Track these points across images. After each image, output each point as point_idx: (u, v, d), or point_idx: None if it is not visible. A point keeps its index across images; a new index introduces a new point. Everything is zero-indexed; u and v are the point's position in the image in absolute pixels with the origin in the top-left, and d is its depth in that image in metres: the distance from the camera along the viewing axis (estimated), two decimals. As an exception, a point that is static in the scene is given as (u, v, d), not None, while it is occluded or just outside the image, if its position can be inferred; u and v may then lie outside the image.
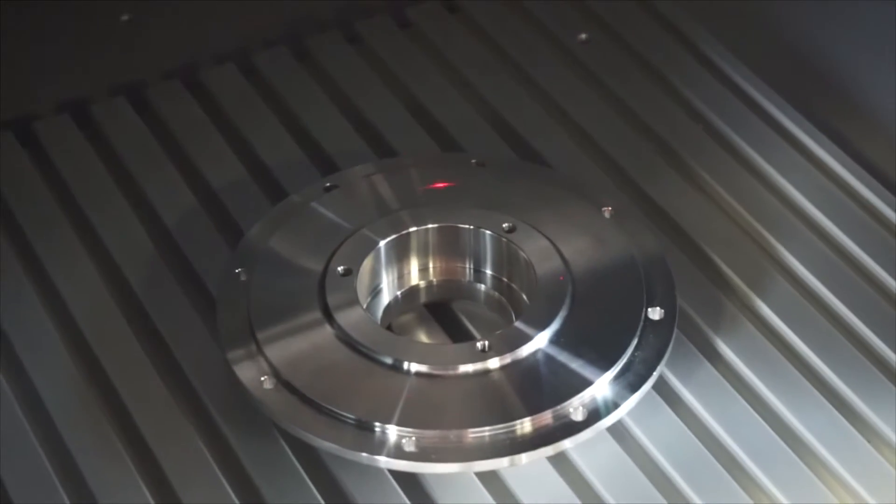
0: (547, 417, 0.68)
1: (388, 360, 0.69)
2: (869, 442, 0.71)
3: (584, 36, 0.90)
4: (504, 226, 0.75)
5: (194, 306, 0.75)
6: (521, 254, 0.74)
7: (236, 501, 0.68)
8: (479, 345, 0.69)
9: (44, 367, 0.73)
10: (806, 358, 0.74)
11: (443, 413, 0.68)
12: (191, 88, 0.87)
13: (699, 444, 0.70)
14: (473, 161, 0.79)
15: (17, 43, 0.84)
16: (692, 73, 0.89)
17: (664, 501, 0.68)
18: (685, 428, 0.71)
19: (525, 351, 0.70)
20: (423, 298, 0.76)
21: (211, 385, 0.72)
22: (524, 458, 0.67)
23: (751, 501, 0.68)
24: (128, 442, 0.70)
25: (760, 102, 0.87)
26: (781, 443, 0.71)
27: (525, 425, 0.68)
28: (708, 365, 0.74)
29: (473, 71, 0.88)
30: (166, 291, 0.76)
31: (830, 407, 0.72)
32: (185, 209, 0.80)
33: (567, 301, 0.71)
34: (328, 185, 0.78)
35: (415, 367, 0.69)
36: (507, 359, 0.69)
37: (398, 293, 0.75)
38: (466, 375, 0.69)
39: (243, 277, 0.73)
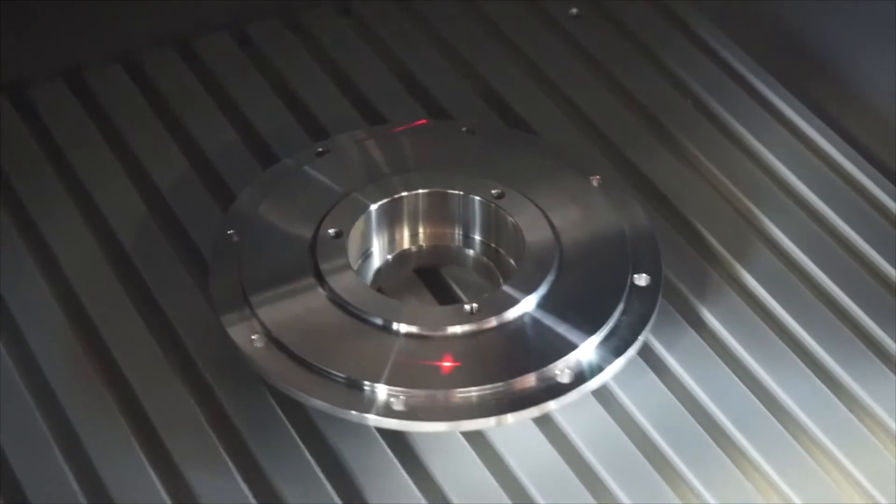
0: (533, 379, 0.69)
1: (378, 321, 0.70)
2: (850, 410, 0.72)
3: (574, 10, 0.91)
4: (493, 192, 0.75)
5: (187, 269, 0.76)
6: (510, 219, 0.74)
7: (226, 457, 0.69)
8: (467, 307, 0.70)
9: (39, 328, 0.74)
10: (788, 327, 0.75)
11: (431, 373, 0.69)
12: (185, 57, 0.88)
13: (683, 409, 0.71)
14: (464, 129, 0.80)
15: (11, 9, 0.85)
16: (681, 48, 0.90)
17: (647, 463, 0.69)
18: (669, 393, 0.72)
19: (512, 314, 0.71)
20: (412, 263, 0.77)
21: (203, 345, 0.73)
22: (510, 418, 0.68)
23: (732, 465, 0.69)
24: (121, 401, 0.71)
25: (748, 78, 0.88)
26: (763, 409, 0.72)
27: (511, 386, 0.69)
28: (692, 332, 0.75)
29: (464, 43, 0.89)
30: (160, 254, 0.77)
31: (811, 375, 0.73)
32: (179, 174, 0.81)
33: (554, 266, 0.72)
34: (320, 150, 0.79)
35: (404, 328, 0.70)
36: (495, 321, 0.70)
37: (388, 257, 0.76)
38: (454, 337, 0.70)
39: (235, 239, 0.74)
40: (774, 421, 0.71)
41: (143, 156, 0.82)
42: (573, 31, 0.91)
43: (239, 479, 0.68)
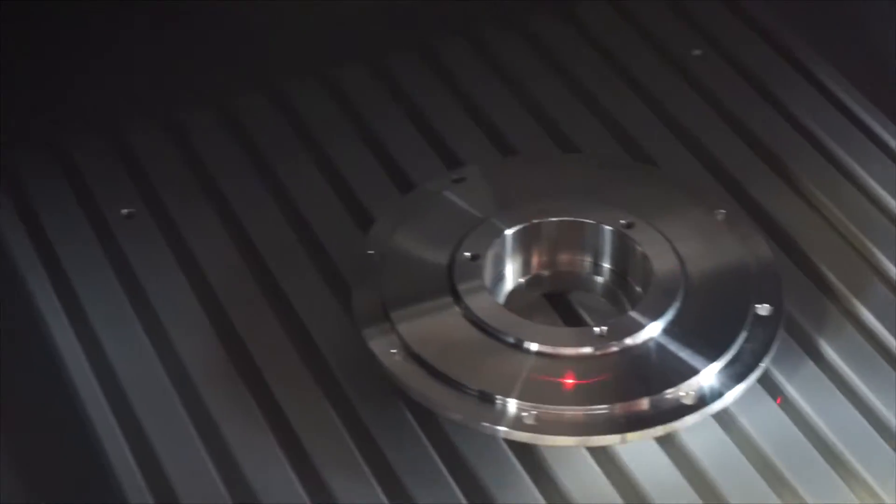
0: (658, 400, 0.72)
1: (511, 340, 0.73)
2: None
3: (698, 52, 0.95)
4: (622, 222, 0.79)
5: (329, 287, 0.80)
6: (638, 248, 0.78)
7: (362, 462, 0.72)
8: (596, 330, 0.74)
9: (188, 340, 0.78)
10: (905, 362, 0.78)
11: (561, 390, 0.72)
12: (327, 88, 0.92)
13: (801, 436, 0.74)
14: (593, 161, 0.84)
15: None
16: (801, 90, 0.92)
17: (765, 486, 0.72)
18: (788, 420, 0.74)
19: (639, 338, 0.74)
20: (543, 287, 0.80)
21: (342, 358, 0.76)
22: (636, 436, 0.71)
23: (849, 491, 0.72)
24: (265, 409, 0.74)
25: (862, 117, 0.90)
26: (881, 440, 0.74)
27: (636, 406, 0.71)
28: (811, 363, 0.77)
29: (591, 79, 0.93)
30: (303, 272, 0.81)
31: (927, 408, 0.75)
32: (321, 199, 0.85)
33: (680, 294, 0.75)
34: (455, 177, 0.82)
35: (536, 346, 0.73)
36: (622, 344, 0.73)
37: (521, 280, 0.80)
38: (583, 357, 0.73)
39: (376, 259, 0.78)
40: (891, 452, 0.73)
41: (286, 179, 0.86)
42: (696, 71, 0.94)
43: (374, 483, 0.71)
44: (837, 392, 0.76)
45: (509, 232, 0.78)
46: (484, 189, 0.81)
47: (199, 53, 0.91)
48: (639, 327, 0.74)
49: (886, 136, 0.89)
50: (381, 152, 0.88)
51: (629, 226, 0.79)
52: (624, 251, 0.79)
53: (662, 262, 0.77)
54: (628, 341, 0.73)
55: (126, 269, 0.82)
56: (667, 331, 0.74)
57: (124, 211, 0.84)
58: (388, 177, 0.86)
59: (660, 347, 0.74)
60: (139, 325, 0.79)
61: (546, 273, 0.80)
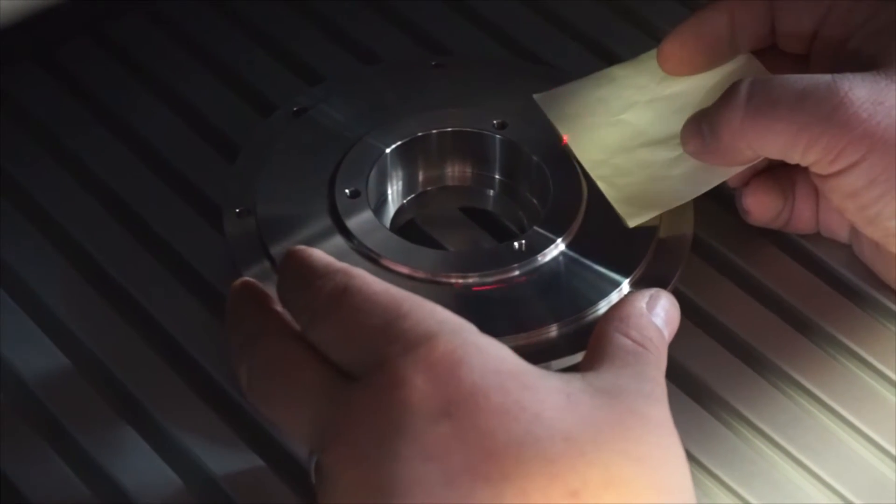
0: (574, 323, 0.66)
1: (422, 275, 0.66)
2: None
3: None
4: (494, 122, 0.72)
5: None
6: (526, 152, 0.71)
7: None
8: (516, 244, 0.67)
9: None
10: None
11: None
12: (155, 22, 0.83)
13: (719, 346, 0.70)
14: (433, 63, 0.76)
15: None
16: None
17: (691, 400, 0.67)
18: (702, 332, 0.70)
19: (549, 254, 0.67)
20: (429, 205, 0.73)
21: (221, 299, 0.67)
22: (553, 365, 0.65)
23: (779, 394, 0.68)
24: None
25: None
26: (801, 336, 0.70)
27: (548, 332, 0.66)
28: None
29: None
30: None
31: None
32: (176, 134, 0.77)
33: (583, 203, 0.69)
34: (296, 108, 0.74)
35: (441, 278, 0.66)
36: (535, 262, 0.67)
37: (404, 201, 0.73)
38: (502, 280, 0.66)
39: (248, 199, 0.70)
40: (809, 342, 0.70)
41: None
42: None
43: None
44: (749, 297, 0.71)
45: (389, 150, 0.71)
46: (344, 108, 0.73)
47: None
48: (547, 243, 0.67)
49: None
50: (230, 79, 0.79)
51: (502, 126, 0.71)
52: (509, 157, 0.72)
53: (557, 168, 0.70)
54: (540, 258, 0.67)
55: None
56: (575, 245, 0.68)
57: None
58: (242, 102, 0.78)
59: (572, 263, 0.68)
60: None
61: (432, 189, 0.73)
